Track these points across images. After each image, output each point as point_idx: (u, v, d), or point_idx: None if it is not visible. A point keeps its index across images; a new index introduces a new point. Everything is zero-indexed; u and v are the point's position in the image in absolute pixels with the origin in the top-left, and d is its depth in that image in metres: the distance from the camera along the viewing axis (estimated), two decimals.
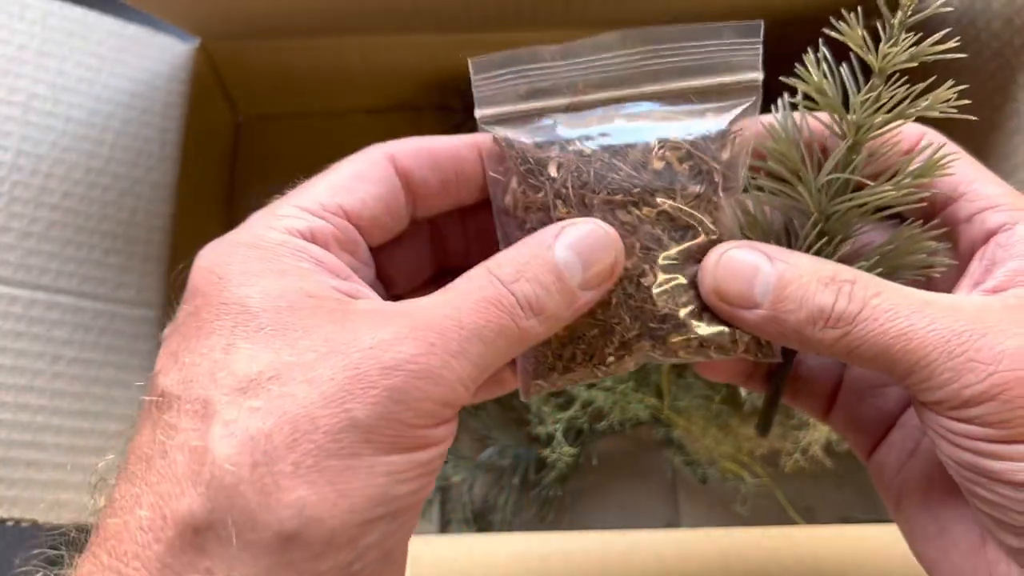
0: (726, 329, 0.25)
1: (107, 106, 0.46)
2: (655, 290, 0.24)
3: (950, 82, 0.23)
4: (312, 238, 0.23)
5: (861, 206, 0.24)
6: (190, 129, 0.51)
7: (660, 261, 0.24)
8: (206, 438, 0.19)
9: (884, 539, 0.36)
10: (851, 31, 0.23)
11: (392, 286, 0.27)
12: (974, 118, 0.23)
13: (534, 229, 0.24)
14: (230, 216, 0.59)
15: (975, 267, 0.24)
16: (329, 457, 0.19)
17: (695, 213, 0.24)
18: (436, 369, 0.20)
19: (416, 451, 0.20)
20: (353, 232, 0.24)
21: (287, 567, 0.19)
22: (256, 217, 0.23)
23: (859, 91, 0.24)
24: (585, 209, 0.24)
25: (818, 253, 0.25)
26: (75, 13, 0.46)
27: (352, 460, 0.19)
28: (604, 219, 0.24)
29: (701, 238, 0.25)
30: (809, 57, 0.24)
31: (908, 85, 0.24)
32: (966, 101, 0.23)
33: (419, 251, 0.27)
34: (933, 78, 0.24)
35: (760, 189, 0.26)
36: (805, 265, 0.23)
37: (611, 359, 0.25)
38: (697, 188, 0.24)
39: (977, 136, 0.44)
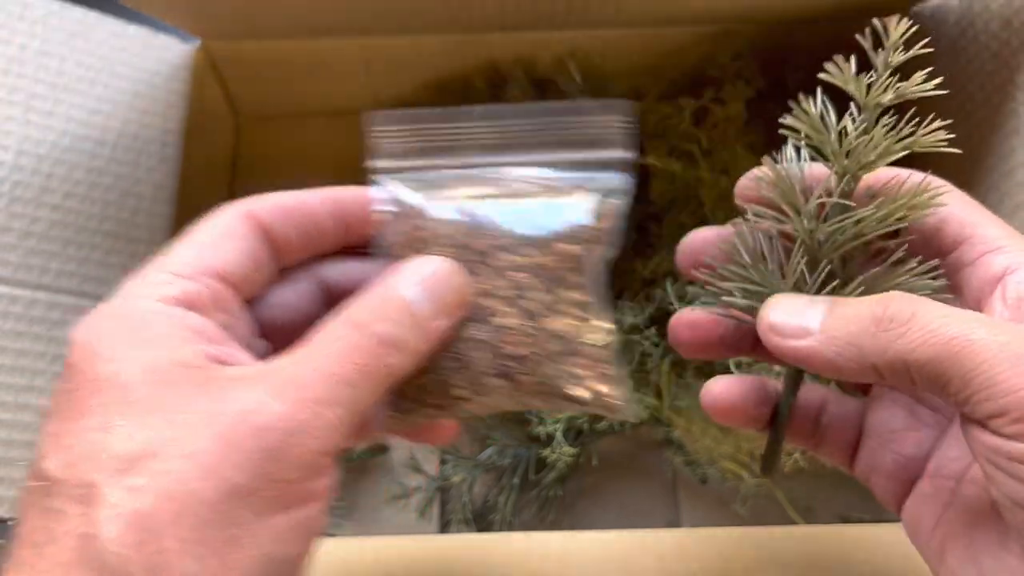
0: (577, 375, 0.26)
1: (108, 106, 0.46)
2: (517, 333, 0.26)
3: (938, 122, 0.24)
4: (185, 303, 0.23)
5: (849, 232, 0.25)
6: (191, 129, 0.51)
7: (526, 306, 0.26)
8: (93, 523, 0.19)
9: (884, 539, 0.36)
10: (840, 72, 0.25)
11: (280, 340, 0.27)
12: (959, 151, 0.24)
13: None
14: None
15: (999, 308, 0.23)
16: (212, 528, 0.19)
17: (566, 270, 0.26)
18: (307, 422, 0.21)
19: (298, 507, 0.21)
20: (224, 291, 0.24)
21: None
22: (129, 285, 0.23)
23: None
24: (467, 251, 0.26)
25: (804, 279, 0.25)
26: (76, 13, 0.46)
27: (235, 528, 0.20)
28: (483, 262, 0.26)
29: (572, 293, 0.26)
30: (808, 97, 0.25)
31: (897, 119, 0.25)
32: (951, 135, 0.24)
33: (307, 302, 0.27)
34: (911, 110, 0.25)
35: (759, 216, 0.27)
36: (853, 299, 0.24)
37: (465, 393, 0.26)
38: (571, 248, 0.26)
39: (976, 137, 0.44)
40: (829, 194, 0.25)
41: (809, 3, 0.48)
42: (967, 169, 0.44)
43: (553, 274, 0.26)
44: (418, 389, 0.26)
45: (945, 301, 0.23)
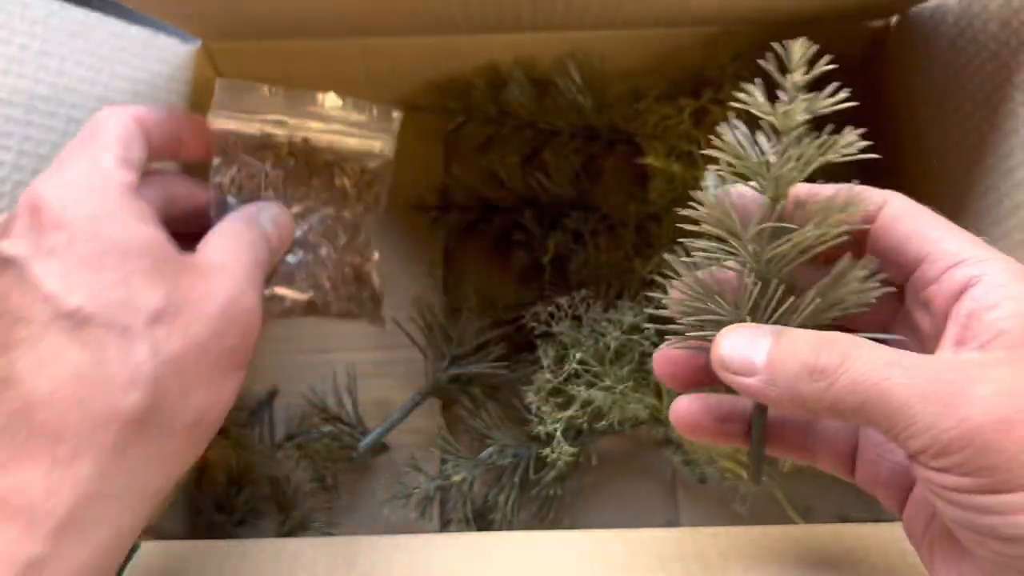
0: (359, 294, 0.41)
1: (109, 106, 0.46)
2: (327, 260, 0.40)
3: (853, 130, 0.25)
4: (132, 189, 0.28)
5: (792, 250, 0.25)
6: None
7: (335, 243, 0.40)
8: (136, 354, 0.25)
9: (882, 538, 0.36)
10: (754, 98, 0.25)
11: None
12: (878, 156, 0.24)
13: (241, 204, 0.36)
14: None
15: (951, 328, 0.24)
16: (216, 373, 0.28)
17: (359, 224, 0.41)
18: (259, 310, 0.31)
19: (245, 369, 0.30)
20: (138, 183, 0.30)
21: (192, 437, 0.28)
22: (85, 162, 0.28)
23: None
24: (286, 198, 0.38)
25: (759, 301, 0.26)
26: (77, 14, 0.46)
27: (228, 373, 0.29)
28: (305, 207, 0.39)
29: (361, 238, 0.40)
30: (724, 127, 0.26)
31: (818, 134, 0.25)
32: (869, 143, 0.25)
33: (159, 202, 0.33)
34: (829, 127, 0.25)
35: (701, 252, 0.27)
36: (797, 334, 0.24)
37: (289, 295, 0.39)
38: (359, 208, 0.40)
39: (974, 137, 0.44)
40: (767, 220, 0.25)
41: (809, 3, 0.48)
42: (966, 169, 0.45)
43: (351, 224, 0.41)
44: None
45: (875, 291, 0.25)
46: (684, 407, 0.29)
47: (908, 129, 0.50)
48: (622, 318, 0.48)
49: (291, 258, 0.38)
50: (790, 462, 0.46)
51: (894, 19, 0.52)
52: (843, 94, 0.25)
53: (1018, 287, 0.23)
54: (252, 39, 0.53)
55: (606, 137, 0.55)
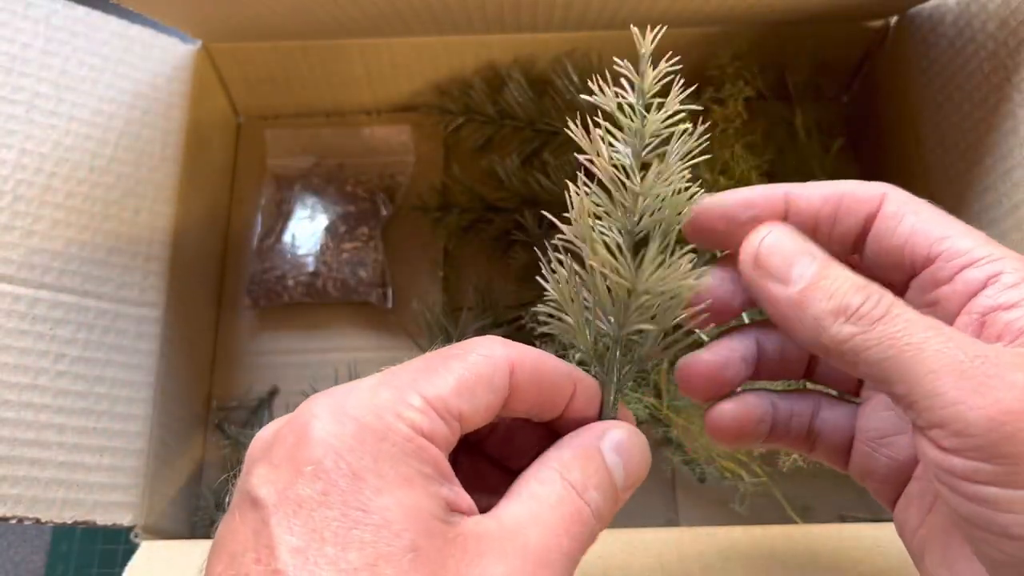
0: (361, 276, 0.54)
1: (110, 106, 0.46)
2: (333, 250, 0.54)
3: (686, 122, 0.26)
4: (430, 436, 0.22)
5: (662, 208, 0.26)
6: (192, 129, 0.51)
7: (355, 231, 0.54)
8: None
9: (881, 538, 0.36)
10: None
11: None
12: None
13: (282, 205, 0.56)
14: (231, 216, 0.59)
15: (964, 321, 0.23)
16: None
17: (365, 215, 0.54)
18: None
19: None
20: (456, 435, 0.23)
21: None
22: (380, 392, 0.23)
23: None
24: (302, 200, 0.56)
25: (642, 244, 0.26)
26: (79, 13, 0.46)
27: None
28: (335, 200, 0.55)
29: (364, 229, 0.54)
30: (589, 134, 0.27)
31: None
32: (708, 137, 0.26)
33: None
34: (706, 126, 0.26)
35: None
36: (842, 271, 0.23)
37: (291, 283, 0.54)
38: (366, 205, 0.55)
39: (973, 137, 0.44)
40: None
41: (809, 4, 0.48)
42: (965, 169, 0.45)
43: (357, 216, 0.53)
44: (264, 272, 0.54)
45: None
46: (726, 416, 0.28)
47: (907, 129, 0.50)
48: None
49: (305, 246, 0.48)
50: (790, 462, 0.46)
51: (893, 19, 0.52)
52: (675, 106, 0.26)
53: None
54: (252, 40, 0.53)
55: None
